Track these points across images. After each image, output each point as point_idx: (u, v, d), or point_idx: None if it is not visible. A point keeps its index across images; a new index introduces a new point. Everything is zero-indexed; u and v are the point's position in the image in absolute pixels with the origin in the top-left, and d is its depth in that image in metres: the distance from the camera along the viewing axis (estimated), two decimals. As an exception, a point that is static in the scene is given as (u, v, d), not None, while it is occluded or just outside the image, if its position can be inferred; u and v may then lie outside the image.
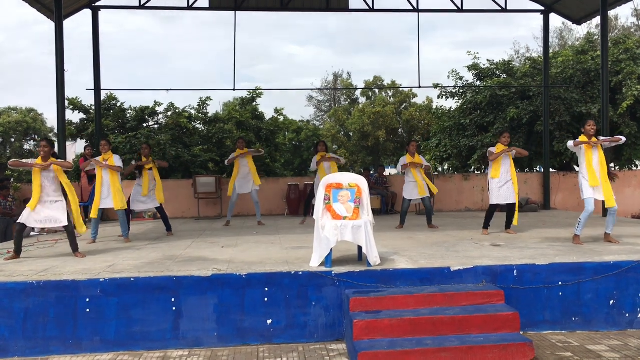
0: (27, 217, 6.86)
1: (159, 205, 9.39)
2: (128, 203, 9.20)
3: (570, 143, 7.45)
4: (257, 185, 10.83)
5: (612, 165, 17.42)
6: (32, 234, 9.98)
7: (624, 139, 7.53)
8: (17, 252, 6.93)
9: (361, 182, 6.26)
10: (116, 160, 8.36)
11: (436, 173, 18.37)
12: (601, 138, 7.54)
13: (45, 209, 6.88)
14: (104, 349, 5.48)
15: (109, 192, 8.30)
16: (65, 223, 6.98)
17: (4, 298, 5.43)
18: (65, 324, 5.47)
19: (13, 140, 35.54)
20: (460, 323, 5.18)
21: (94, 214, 8.42)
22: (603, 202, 7.41)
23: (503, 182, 8.47)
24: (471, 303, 5.48)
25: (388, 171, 27.18)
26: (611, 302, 5.96)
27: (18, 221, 6.92)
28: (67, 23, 11.87)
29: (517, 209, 8.51)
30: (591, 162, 7.28)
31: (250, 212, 12.92)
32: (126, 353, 5.45)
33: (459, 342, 4.98)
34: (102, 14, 12.66)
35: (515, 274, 5.89)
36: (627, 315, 5.98)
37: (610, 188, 7.31)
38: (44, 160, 6.90)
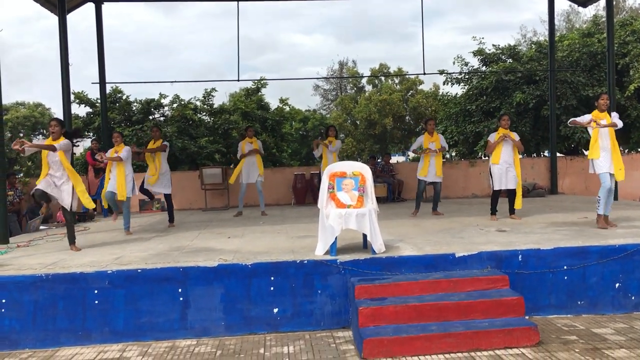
0: (45, 186, 6.83)
1: (169, 192, 9.48)
2: (141, 188, 9.45)
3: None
4: (261, 175, 10.89)
5: (620, 149, 17.32)
6: (41, 227, 10.09)
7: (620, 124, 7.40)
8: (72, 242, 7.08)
9: (365, 170, 6.27)
10: (124, 152, 8.47)
11: (444, 160, 18.35)
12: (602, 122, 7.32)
13: (54, 186, 6.89)
14: (113, 340, 5.55)
15: (114, 182, 8.41)
16: (68, 204, 6.93)
17: (13, 291, 5.51)
18: (75, 316, 5.54)
19: (22, 135, 35.72)
20: (465, 308, 5.20)
21: (105, 202, 8.78)
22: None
23: (504, 168, 8.46)
24: (476, 289, 5.49)
25: (395, 159, 27.17)
26: (617, 285, 5.95)
27: (37, 188, 6.86)
28: (71, 17, 11.89)
29: (519, 193, 8.51)
30: (596, 135, 7.22)
31: (257, 202, 12.94)
32: (135, 343, 5.52)
33: (463, 327, 5.01)
34: (106, 6, 12.66)
35: (520, 259, 5.90)
36: (633, 298, 5.97)
37: (620, 160, 7.24)
38: (54, 139, 6.89)
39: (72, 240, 7.12)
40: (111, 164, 8.50)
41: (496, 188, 8.56)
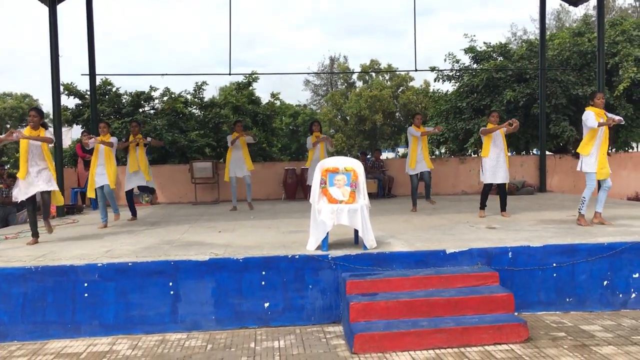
0: (23, 192, 6.87)
1: (145, 183, 9.61)
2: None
3: (591, 123, 7.10)
4: (248, 170, 10.95)
5: (608, 147, 17.46)
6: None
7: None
8: (35, 235, 7.02)
9: (357, 166, 6.27)
10: (112, 141, 8.55)
11: (433, 157, 18.41)
12: (616, 118, 7.31)
13: (32, 180, 6.88)
14: (102, 333, 5.52)
15: (104, 171, 8.43)
16: (48, 189, 6.98)
17: (2, 283, 5.46)
18: (64, 309, 5.51)
19: (9, 126, 35.46)
20: (455, 304, 5.24)
21: (90, 193, 8.68)
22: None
23: (495, 162, 8.50)
24: (466, 285, 5.53)
25: (385, 155, 27.22)
26: (605, 282, 6.01)
27: (18, 200, 6.95)
28: (62, 7, 11.73)
29: (506, 188, 8.67)
30: (595, 133, 7.25)
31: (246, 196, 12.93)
32: (125, 337, 5.50)
33: (454, 323, 5.04)
34: (96, -2, 12.51)
35: (510, 256, 5.93)
36: (621, 295, 6.04)
37: (606, 161, 7.31)
38: (34, 129, 6.88)
39: (46, 216, 7.12)
40: (97, 156, 8.45)
41: (487, 181, 8.59)
